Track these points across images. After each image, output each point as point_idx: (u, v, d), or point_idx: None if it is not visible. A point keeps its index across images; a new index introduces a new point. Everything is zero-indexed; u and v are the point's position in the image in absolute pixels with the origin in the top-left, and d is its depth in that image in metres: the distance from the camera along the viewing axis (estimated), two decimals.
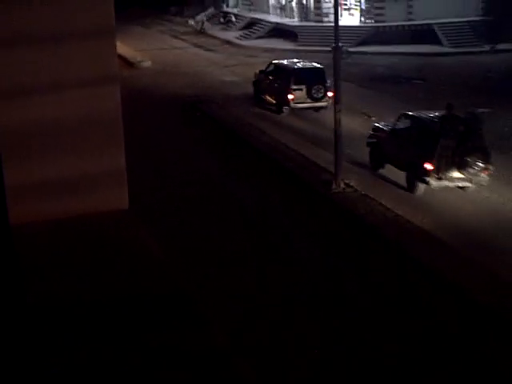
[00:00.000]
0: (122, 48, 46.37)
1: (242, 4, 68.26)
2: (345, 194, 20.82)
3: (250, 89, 34.26)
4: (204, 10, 70.47)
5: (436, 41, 48.79)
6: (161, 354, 8.47)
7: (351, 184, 21.27)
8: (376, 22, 51.67)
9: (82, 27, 2.88)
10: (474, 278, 15.41)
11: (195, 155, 25.50)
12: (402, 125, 22.24)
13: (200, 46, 52.80)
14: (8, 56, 2.71)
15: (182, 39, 56.40)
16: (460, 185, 20.71)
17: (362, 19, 53.00)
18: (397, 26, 50.28)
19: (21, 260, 3.80)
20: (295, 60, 33.83)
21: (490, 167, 20.26)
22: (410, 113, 22.42)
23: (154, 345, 8.39)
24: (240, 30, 59.55)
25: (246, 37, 55.92)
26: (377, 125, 23.87)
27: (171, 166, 24.01)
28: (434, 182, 20.38)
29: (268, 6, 62.42)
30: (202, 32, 60.39)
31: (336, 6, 22.11)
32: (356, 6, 53.66)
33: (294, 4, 58.12)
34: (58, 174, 3.63)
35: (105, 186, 3.77)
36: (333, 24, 22.57)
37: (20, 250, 3.85)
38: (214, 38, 56.28)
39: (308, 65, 32.10)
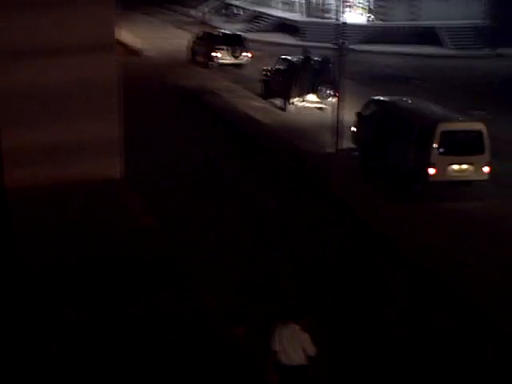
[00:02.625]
0: (125, 35, 46.33)
1: None
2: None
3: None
4: (207, 1, 70.38)
5: (439, 42, 48.87)
6: (151, 315, 8.54)
7: None
8: (381, 21, 51.70)
9: None
10: None
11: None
12: (280, 66, 32.34)
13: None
14: (7, 20, 2.72)
15: (185, 29, 56.20)
16: (317, 106, 30.51)
17: (368, 17, 53.01)
18: (401, 26, 50.32)
19: (15, 223, 3.86)
20: (222, 30, 44.26)
21: (336, 93, 25.05)
22: (284, 56, 32.91)
23: (143, 305, 8.45)
24: (243, 22, 59.48)
25: (249, 30, 55.85)
26: (265, 68, 33.68)
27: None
28: (297, 103, 30.65)
29: (273, 0, 62.40)
30: (204, 23, 60.30)
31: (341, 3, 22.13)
32: (360, 3, 53.65)
33: None
34: (52, 140, 3.66)
35: (99, 154, 3.79)
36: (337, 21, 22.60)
37: (14, 214, 3.92)
38: (217, 28, 56.26)
39: (230, 32, 43.11)
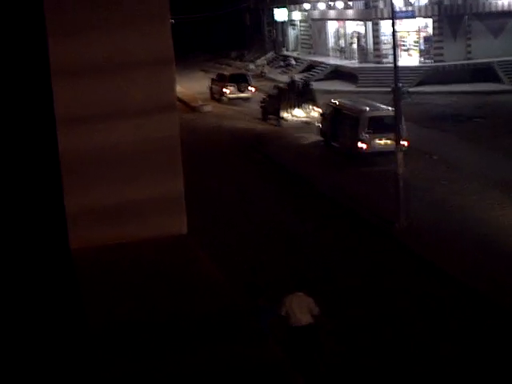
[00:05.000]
0: (184, 92, 47.43)
1: (302, 47, 69.04)
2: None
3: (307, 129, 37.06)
4: (264, 54, 71.41)
5: (496, 79, 48.55)
6: (217, 368, 8.63)
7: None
8: (435, 61, 51.73)
9: (142, 57, 3.05)
10: None
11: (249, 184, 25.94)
12: (272, 92, 40.84)
13: (260, 90, 53.37)
14: (71, 85, 2.89)
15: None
16: (303, 119, 38.10)
17: (421, 59, 53.14)
18: (456, 65, 50.23)
19: (80, 283, 4.03)
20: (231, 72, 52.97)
21: (319, 109, 35.93)
22: (275, 84, 42.99)
23: (210, 359, 8.55)
24: (300, 72, 60.15)
25: (305, 79, 56.40)
26: (263, 97, 42.00)
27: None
28: (287, 118, 38.40)
29: (327, 49, 63.03)
30: (262, 76, 61.16)
31: (395, 47, 22.34)
32: (415, 46, 53.87)
33: (353, 46, 58.59)
34: (118, 198, 3.80)
35: (164, 211, 3.93)
36: (392, 65, 22.79)
37: (79, 274, 4.09)
38: (274, 81, 56.94)
39: (238, 71, 53.78)
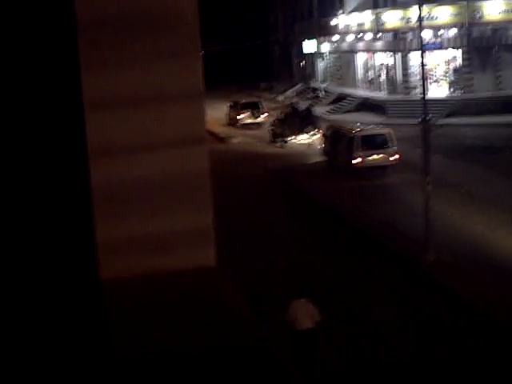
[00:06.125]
0: (213, 124, 47.98)
1: (331, 79, 69.29)
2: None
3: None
4: (293, 86, 71.75)
5: None
6: None
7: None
8: (464, 93, 51.63)
9: (172, 91, 3.11)
10: None
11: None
12: (279, 117, 45.08)
13: (271, 115, 54.14)
14: (102, 118, 2.96)
15: (271, 115, 57.45)
16: (305, 141, 42.56)
17: (451, 91, 53.07)
18: (485, 96, 50.03)
19: (108, 314, 4.08)
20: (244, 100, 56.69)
21: (320, 131, 40.92)
22: (281, 110, 47.64)
23: None
24: (329, 104, 60.33)
25: (334, 111, 56.59)
26: (271, 122, 46.31)
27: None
28: (290, 142, 42.82)
29: (356, 80, 63.19)
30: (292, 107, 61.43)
31: (423, 78, 22.35)
32: (444, 77, 53.84)
33: (382, 78, 58.68)
34: (147, 230, 3.85)
35: (194, 243, 3.96)
36: (421, 96, 22.80)
37: (108, 305, 4.14)
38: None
39: (251, 99, 57.36)
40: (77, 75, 3.20)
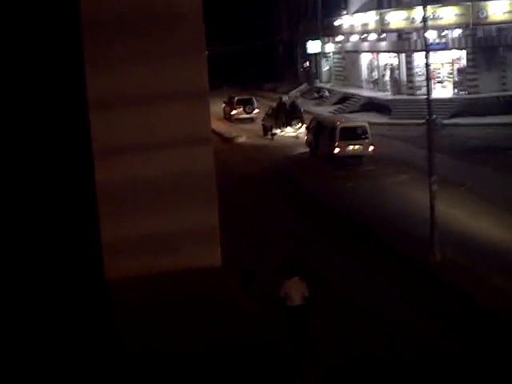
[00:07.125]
0: (217, 124, 48.30)
1: (335, 79, 69.23)
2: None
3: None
4: (297, 86, 71.69)
5: None
6: None
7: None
8: (469, 93, 51.54)
9: (178, 91, 3.09)
10: None
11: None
12: (268, 112, 47.82)
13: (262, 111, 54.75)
14: (108, 117, 2.93)
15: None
16: (292, 134, 45.23)
17: (455, 91, 52.98)
18: (490, 96, 49.93)
19: (116, 313, 4.06)
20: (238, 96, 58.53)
21: (303, 124, 43.89)
22: (270, 105, 49.59)
23: None
24: (333, 104, 60.26)
25: (338, 111, 56.52)
26: (263, 116, 49.06)
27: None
28: (278, 133, 45.61)
29: (361, 81, 63.13)
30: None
31: (428, 78, 22.31)
32: (449, 78, 53.76)
33: (386, 78, 58.61)
34: (153, 230, 3.83)
35: (199, 243, 3.95)
36: (425, 97, 22.76)
37: (115, 304, 4.12)
38: (308, 113, 57.18)
39: (245, 96, 58.49)
40: (81, 75, 3.19)
